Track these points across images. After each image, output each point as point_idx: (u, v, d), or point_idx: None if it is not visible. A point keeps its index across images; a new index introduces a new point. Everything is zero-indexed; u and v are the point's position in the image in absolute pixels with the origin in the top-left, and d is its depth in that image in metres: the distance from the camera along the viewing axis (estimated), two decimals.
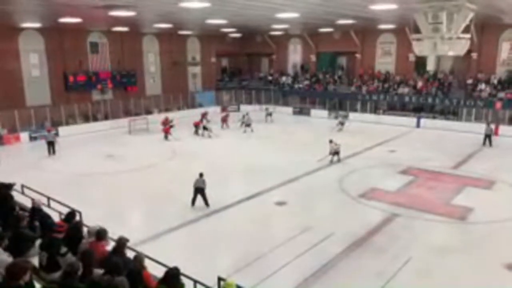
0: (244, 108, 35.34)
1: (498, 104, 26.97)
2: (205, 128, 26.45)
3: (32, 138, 25.41)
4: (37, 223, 7.63)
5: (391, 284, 9.44)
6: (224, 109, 36.03)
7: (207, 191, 14.09)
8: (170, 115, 29.87)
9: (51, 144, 21.72)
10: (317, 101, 35.20)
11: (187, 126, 27.01)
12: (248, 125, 27.41)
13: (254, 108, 35.35)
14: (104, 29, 29.30)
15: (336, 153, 19.66)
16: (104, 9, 16.99)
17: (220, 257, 10.90)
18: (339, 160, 19.75)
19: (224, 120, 28.98)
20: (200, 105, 35.82)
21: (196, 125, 26.82)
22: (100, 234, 6.63)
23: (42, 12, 19.43)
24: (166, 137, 25.34)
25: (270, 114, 31.96)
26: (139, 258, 5.97)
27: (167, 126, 25.83)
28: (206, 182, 13.98)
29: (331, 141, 19.88)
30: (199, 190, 13.87)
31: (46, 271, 6.01)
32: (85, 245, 6.56)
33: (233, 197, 14.94)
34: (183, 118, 29.79)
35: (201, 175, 14.10)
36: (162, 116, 29.29)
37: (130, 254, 6.49)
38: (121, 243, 6.43)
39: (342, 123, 28.23)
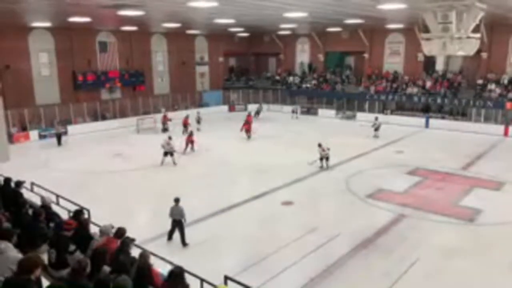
0: (250, 107, 35.34)
1: (509, 105, 26.67)
2: (247, 133, 25.19)
3: (41, 136, 25.69)
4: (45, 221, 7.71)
5: (398, 285, 9.39)
6: (232, 108, 36.83)
7: (211, 193, 14.21)
8: (178, 114, 29.98)
9: (59, 137, 24.29)
10: (324, 100, 35.13)
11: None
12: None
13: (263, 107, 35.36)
14: (113, 29, 29.48)
15: (324, 158, 18.41)
16: (113, 8, 17.11)
17: (226, 256, 10.90)
18: (327, 167, 18.53)
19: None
20: (206, 105, 35.98)
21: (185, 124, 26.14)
22: (120, 232, 6.86)
23: (51, 12, 19.60)
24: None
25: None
26: (144, 255, 6.01)
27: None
28: (184, 212, 11.26)
29: (320, 145, 18.44)
30: (176, 222, 11.21)
31: (54, 268, 6.08)
32: (97, 242, 6.65)
33: (239, 196, 14.94)
34: (190, 117, 29.73)
35: (176, 201, 11.28)
36: (170, 115, 29.37)
37: (136, 252, 6.52)
38: (126, 242, 6.50)
39: (377, 129, 25.52)
